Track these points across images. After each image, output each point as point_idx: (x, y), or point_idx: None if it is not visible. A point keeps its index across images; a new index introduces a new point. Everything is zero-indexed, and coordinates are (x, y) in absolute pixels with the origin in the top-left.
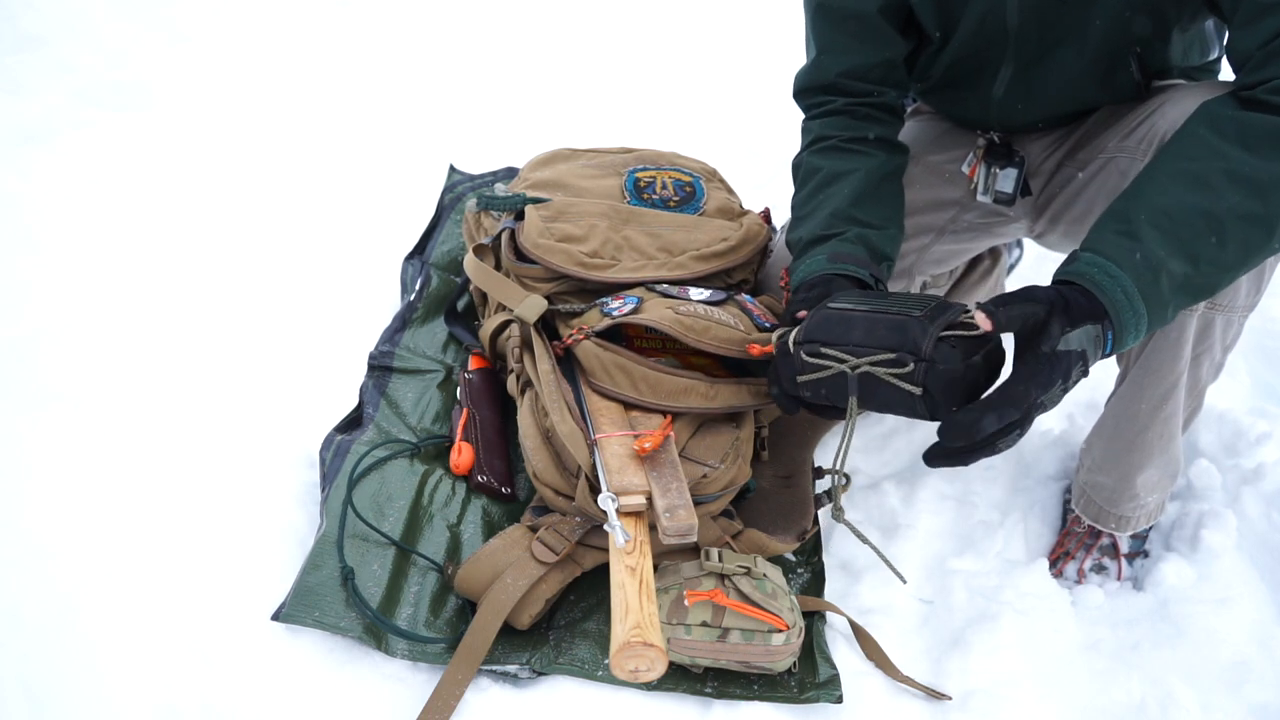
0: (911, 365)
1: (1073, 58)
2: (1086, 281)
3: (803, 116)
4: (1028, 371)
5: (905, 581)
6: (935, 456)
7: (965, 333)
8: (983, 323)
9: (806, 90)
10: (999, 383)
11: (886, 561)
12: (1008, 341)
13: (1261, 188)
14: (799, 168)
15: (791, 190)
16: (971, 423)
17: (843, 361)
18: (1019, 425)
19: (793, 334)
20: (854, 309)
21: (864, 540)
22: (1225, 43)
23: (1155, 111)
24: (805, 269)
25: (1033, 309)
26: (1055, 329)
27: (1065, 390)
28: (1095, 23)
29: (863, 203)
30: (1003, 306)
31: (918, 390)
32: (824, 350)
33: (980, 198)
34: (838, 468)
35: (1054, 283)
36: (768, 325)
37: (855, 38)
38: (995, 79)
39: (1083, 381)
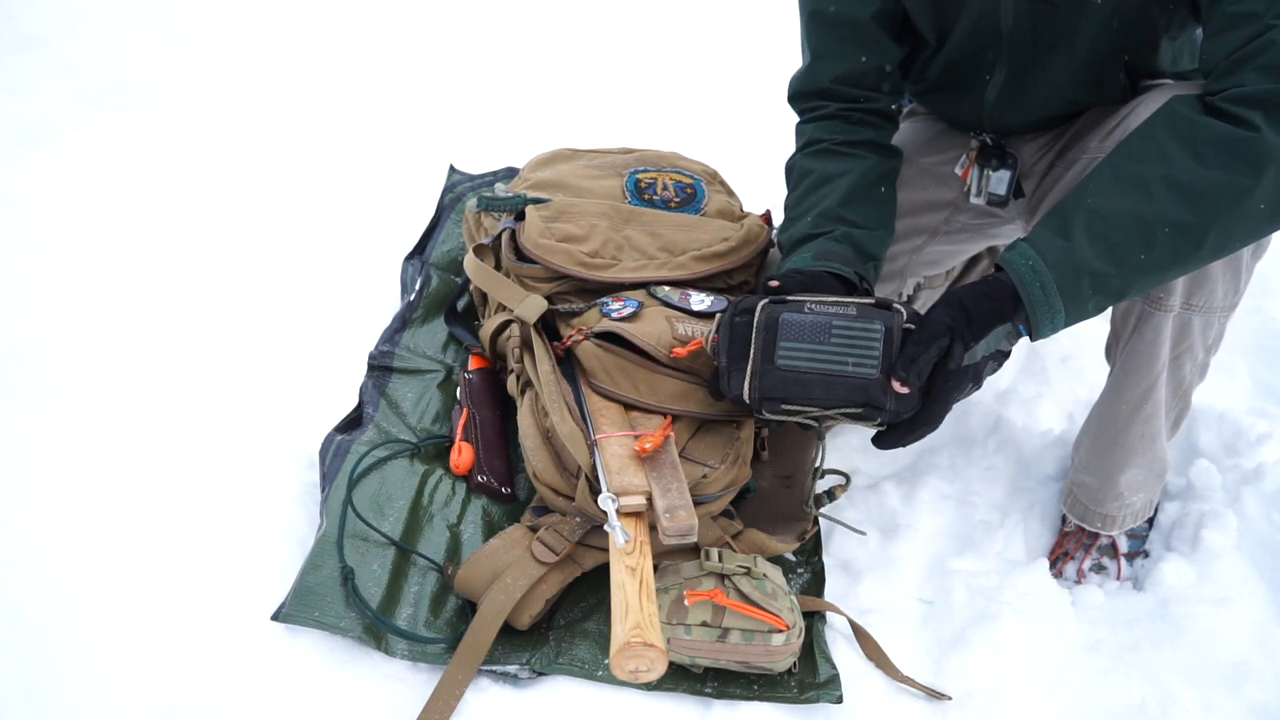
0: (879, 418)
1: (1063, 63)
2: (1011, 271)
3: (797, 120)
4: (940, 392)
5: (864, 534)
6: (885, 442)
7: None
8: (899, 390)
9: (800, 95)
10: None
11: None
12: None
13: (1195, 197)
14: (792, 170)
15: (785, 191)
16: (895, 441)
17: (806, 413)
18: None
19: (746, 388)
20: (805, 369)
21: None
22: (1199, 53)
23: (1131, 113)
24: (792, 266)
25: (938, 346)
26: (958, 352)
27: (979, 383)
28: (1085, 30)
29: (852, 204)
30: (912, 364)
31: (884, 428)
32: (785, 408)
33: (973, 199)
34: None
35: (994, 265)
36: None
37: (849, 44)
38: (989, 82)
39: (1083, 380)
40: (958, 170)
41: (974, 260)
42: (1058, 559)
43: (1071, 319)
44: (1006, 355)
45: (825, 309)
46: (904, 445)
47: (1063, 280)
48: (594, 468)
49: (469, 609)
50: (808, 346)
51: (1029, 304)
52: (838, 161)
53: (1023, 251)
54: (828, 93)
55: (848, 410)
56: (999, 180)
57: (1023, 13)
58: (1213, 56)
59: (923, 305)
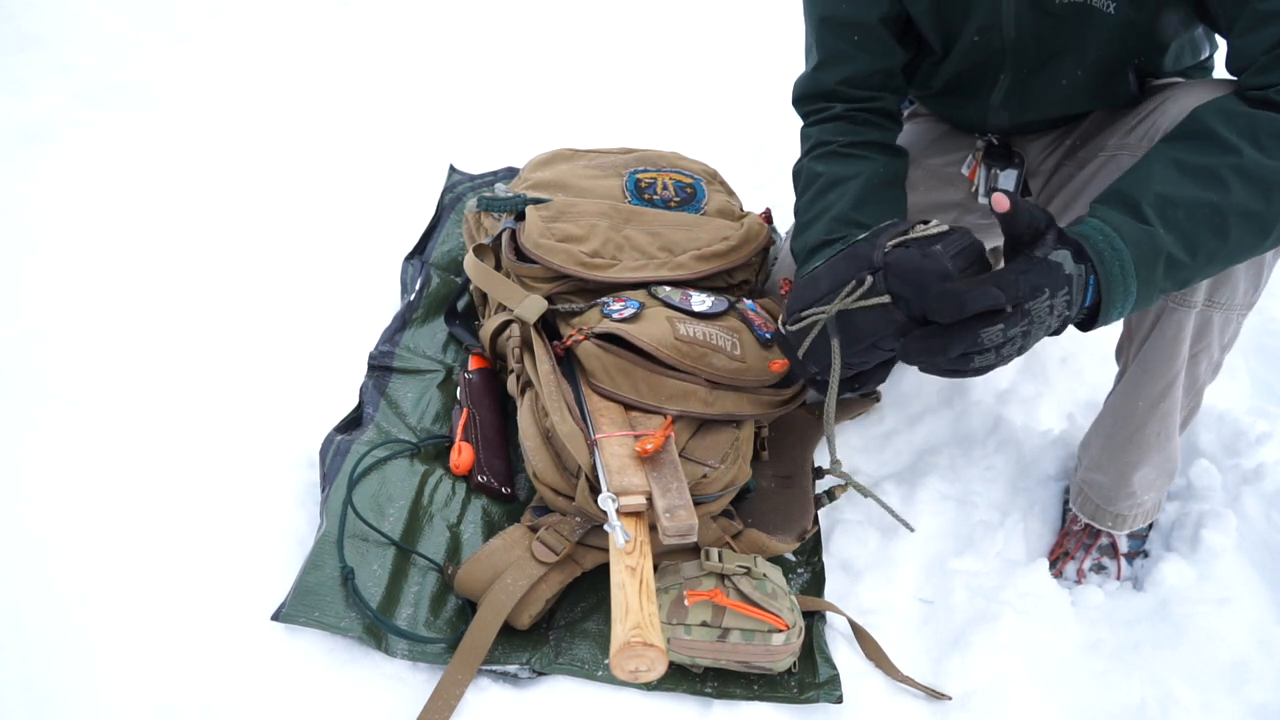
0: (870, 279)
1: (1071, 70)
2: (1089, 245)
3: (801, 123)
4: (1020, 266)
5: (913, 530)
6: (913, 343)
7: (920, 233)
8: (999, 204)
9: (806, 98)
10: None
11: (891, 511)
12: (984, 236)
13: (1267, 186)
14: (799, 174)
15: (786, 191)
16: (958, 294)
17: (817, 315)
18: (1004, 320)
19: (779, 319)
20: (817, 266)
21: (870, 495)
22: (1228, 50)
23: (1157, 109)
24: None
25: (1040, 214)
26: (1050, 239)
27: (1053, 308)
28: (1095, 39)
29: (864, 207)
30: (1015, 203)
31: (886, 298)
32: (803, 314)
33: (981, 200)
34: (828, 423)
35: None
36: (767, 335)
37: (856, 46)
38: (994, 87)
39: (1083, 380)
40: (964, 170)
41: None
42: (1058, 559)
43: (1140, 304)
44: (1068, 308)
45: None
46: (953, 337)
47: (1141, 261)
48: (594, 468)
49: (469, 609)
50: (830, 253)
51: (1105, 281)
52: (846, 164)
53: (1096, 227)
54: (833, 94)
55: (846, 292)
56: (1006, 179)
57: (1025, 23)
58: (1245, 54)
59: None
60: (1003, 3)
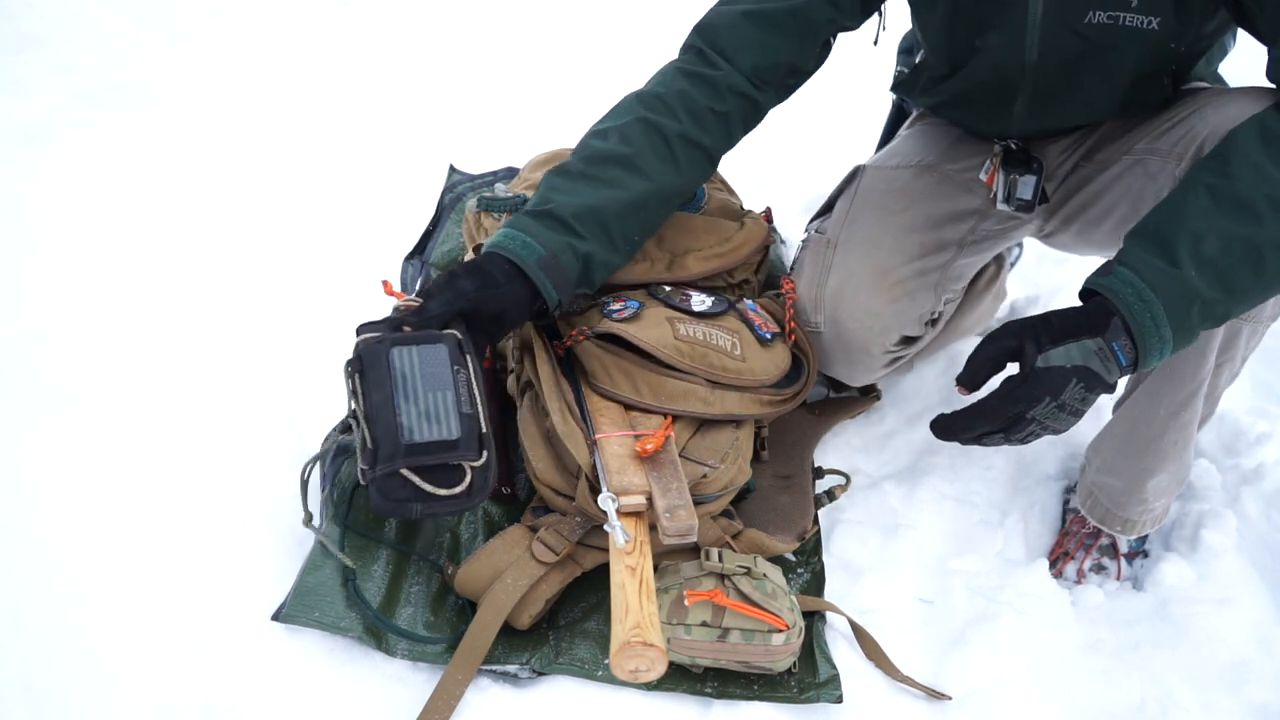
0: (369, 466)
1: (1095, 84)
2: (1117, 300)
3: (678, 54)
4: (1003, 390)
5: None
6: (936, 428)
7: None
8: (961, 393)
9: (708, 31)
10: (985, 395)
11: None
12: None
13: None
14: (629, 101)
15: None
16: (945, 427)
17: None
18: (1002, 433)
19: None
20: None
21: None
22: (1268, 61)
23: (1193, 114)
24: (512, 241)
25: (1002, 345)
26: (1030, 351)
27: (1064, 405)
28: (1120, 57)
29: (631, 216)
30: (969, 364)
31: (364, 480)
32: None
33: (1001, 206)
34: None
35: (1083, 290)
36: (767, 335)
37: (790, 31)
38: (1014, 101)
39: None
40: (982, 176)
41: (979, 271)
42: (1058, 559)
43: (1179, 346)
44: (1102, 383)
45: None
46: (958, 439)
47: (1173, 309)
48: (594, 467)
49: (469, 609)
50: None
51: (1139, 334)
52: (658, 162)
53: (1126, 279)
54: (733, 59)
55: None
56: (1024, 186)
57: (1051, 44)
58: None
59: (943, 319)
60: (1027, 22)
